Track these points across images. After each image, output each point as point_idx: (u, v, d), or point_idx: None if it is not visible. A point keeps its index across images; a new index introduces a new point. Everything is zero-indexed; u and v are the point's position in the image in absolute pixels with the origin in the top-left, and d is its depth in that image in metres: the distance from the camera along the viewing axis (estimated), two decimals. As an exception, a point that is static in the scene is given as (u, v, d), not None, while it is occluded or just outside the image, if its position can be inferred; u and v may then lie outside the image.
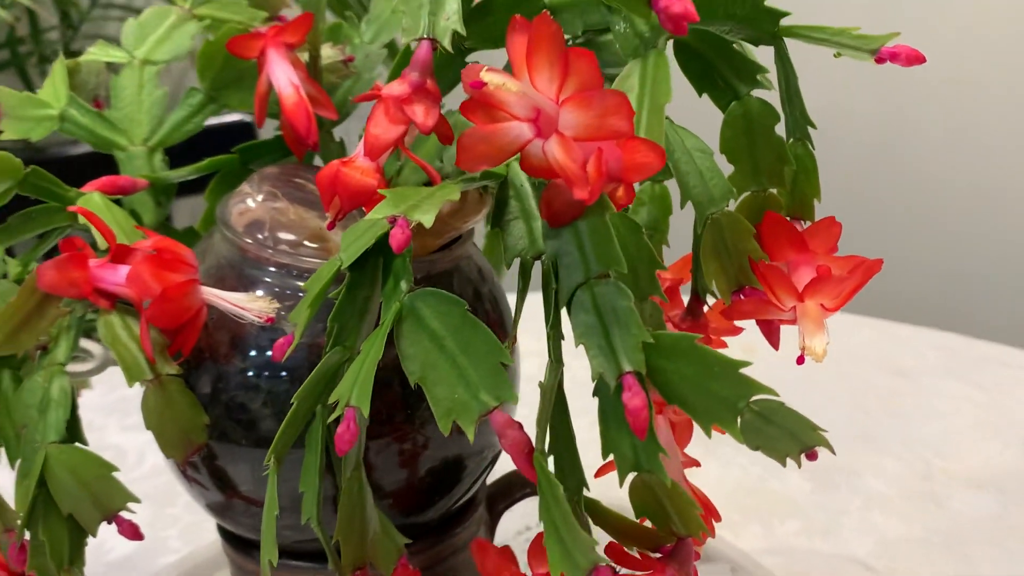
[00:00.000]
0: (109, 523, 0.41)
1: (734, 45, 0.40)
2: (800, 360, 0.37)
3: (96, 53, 0.49)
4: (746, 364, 0.32)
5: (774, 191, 0.41)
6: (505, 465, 0.46)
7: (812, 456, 0.34)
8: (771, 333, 0.42)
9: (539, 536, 0.34)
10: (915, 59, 0.39)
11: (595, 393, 0.34)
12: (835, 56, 0.40)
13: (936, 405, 0.86)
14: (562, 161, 0.31)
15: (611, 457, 0.34)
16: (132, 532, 0.42)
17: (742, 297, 0.40)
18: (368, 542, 0.36)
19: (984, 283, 1.66)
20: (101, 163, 0.49)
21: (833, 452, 0.34)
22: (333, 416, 0.32)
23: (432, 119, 0.36)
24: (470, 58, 0.44)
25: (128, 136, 0.47)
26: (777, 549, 0.67)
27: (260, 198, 0.42)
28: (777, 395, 0.33)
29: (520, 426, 0.33)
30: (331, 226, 0.37)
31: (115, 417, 0.42)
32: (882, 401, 0.86)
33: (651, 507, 0.35)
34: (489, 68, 0.30)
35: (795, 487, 0.74)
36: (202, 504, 0.45)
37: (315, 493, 0.35)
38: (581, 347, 0.33)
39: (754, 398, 0.33)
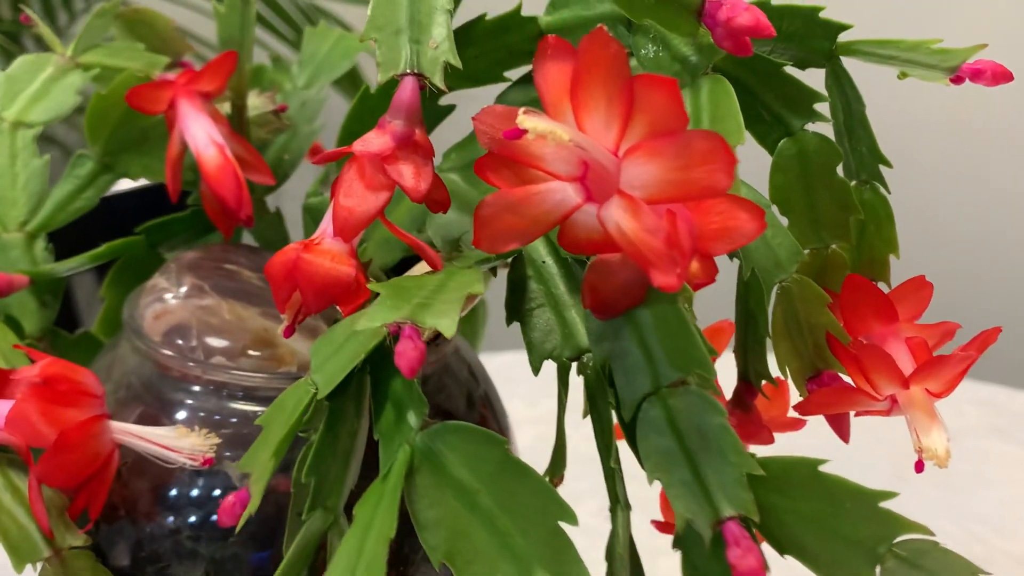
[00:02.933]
0: None
1: (784, 69, 0.32)
2: (919, 467, 0.28)
3: (-47, 116, 0.38)
4: (891, 495, 0.24)
5: (837, 247, 0.33)
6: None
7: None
8: (842, 428, 0.33)
9: None
10: (1002, 77, 0.32)
11: (675, 544, 0.25)
12: (899, 77, 0.33)
13: (985, 471, 0.74)
14: (633, 233, 0.22)
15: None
16: None
17: (818, 385, 0.31)
18: None
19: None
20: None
21: (1000, 600, 0.26)
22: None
23: (425, 182, 0.26)
24: (446, 99, 0.35)
25: (0, 220, 0.37)
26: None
27: (182, 293, 0.32)
28: (931, 533, 0.24)
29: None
30: (289, 331, 0.28)
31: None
32: (924, 468, 0.76)
33: None
34: (527, 110, 0.21)
35: None
36: None
37: None
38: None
39: (899, 539, 0.24)
